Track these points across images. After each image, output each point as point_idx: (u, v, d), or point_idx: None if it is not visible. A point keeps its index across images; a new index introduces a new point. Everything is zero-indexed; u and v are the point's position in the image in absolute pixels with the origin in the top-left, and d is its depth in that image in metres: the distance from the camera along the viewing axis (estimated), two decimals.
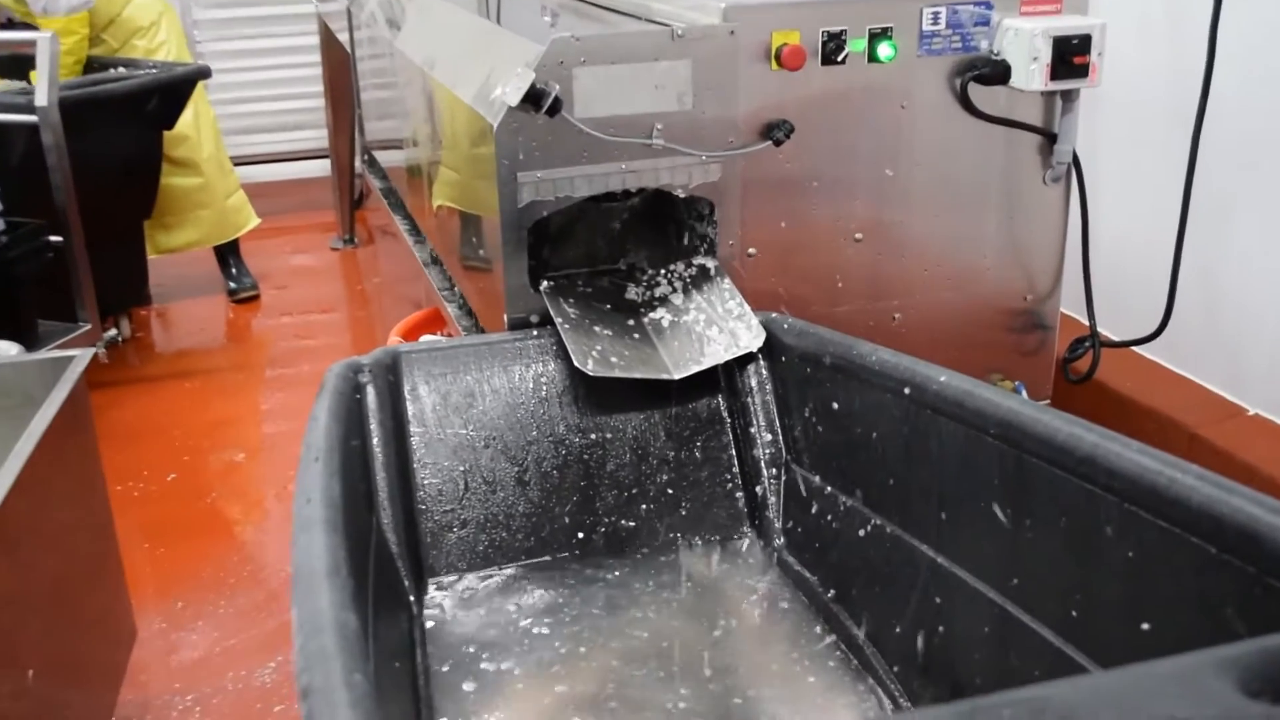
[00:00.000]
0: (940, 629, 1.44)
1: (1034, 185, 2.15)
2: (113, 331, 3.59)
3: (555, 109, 1.77)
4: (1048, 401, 2.29)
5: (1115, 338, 2.71)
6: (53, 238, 3.20)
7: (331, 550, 0.98)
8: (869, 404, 1.58)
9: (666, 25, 1.91)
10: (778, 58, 1.91)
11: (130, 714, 2.24)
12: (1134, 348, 2.64)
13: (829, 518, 1.67)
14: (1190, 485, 1.05)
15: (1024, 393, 2.22)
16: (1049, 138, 2.11)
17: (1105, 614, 1.18)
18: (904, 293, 2.13)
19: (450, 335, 2.63)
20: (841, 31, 1.94)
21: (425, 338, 2.72)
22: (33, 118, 3.16)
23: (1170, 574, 1.08)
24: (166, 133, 3.89)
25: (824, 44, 1.94)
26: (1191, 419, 2.55)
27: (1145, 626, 1.11)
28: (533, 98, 1.76)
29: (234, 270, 4.50)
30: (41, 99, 3.14)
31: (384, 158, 3.74)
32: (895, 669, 1.51)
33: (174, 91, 3.74)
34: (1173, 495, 1.07)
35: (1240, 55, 2.33)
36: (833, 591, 1.65)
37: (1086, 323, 2.39)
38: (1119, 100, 2.65)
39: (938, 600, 1.44)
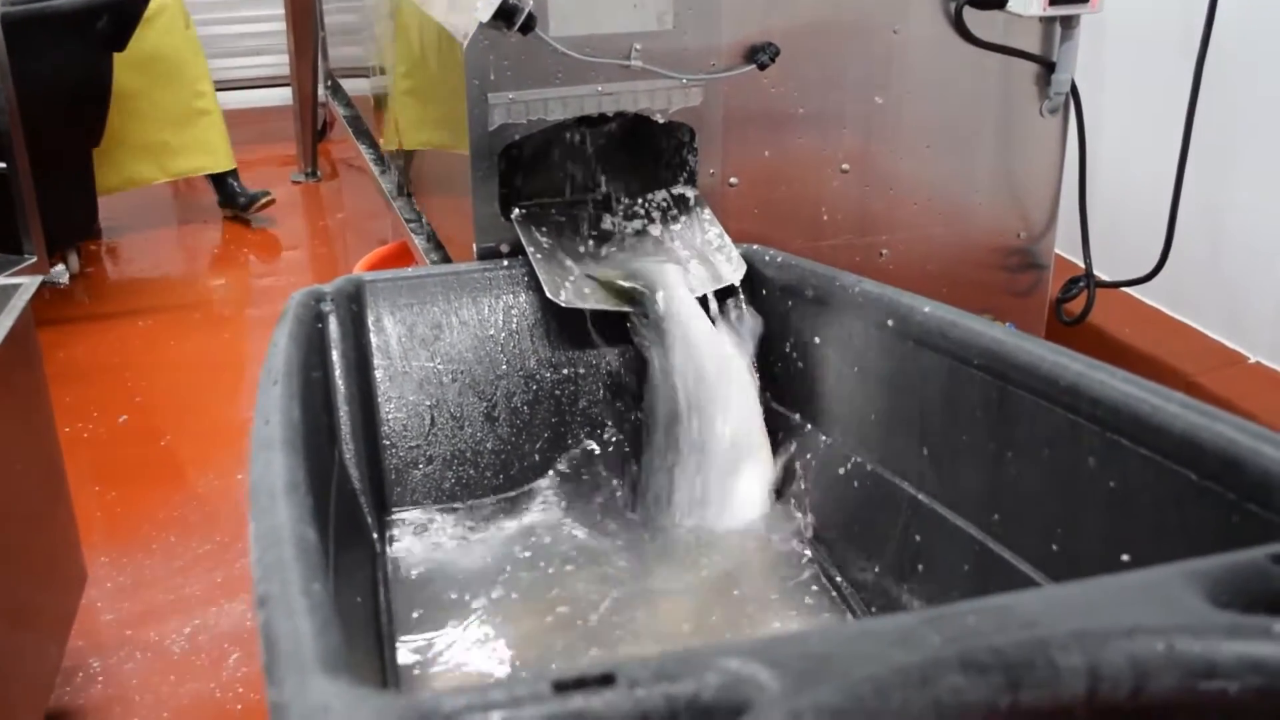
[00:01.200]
0: (919, 567, 1.48)
1: (1030, 117, 2.16)
2: (60, 267, 3.60)
3: (529, 26, 1.78)
4: None
5: (1113, 277, 2.75)
6: None
7: (290, 469, 1.00)
8: (852, 336, 1.61)
9: None
10: None
11: (80, 661, 2.27)
12: (1131, 289, 2.66)
13: (808, 455, 1.71)
14: (1173, 413, 1.09)
15: None
16: (1047, 66, 2.12)
17: (1086, 547, 1.22)
18: (892, 228, 2.14)
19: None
20: None
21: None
22: None
23: (1151, 504, 1.11)
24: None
25: None
26: (1189, 366, 2.58)
27: (1126, 558, 1.15)
28: (504, 13, 1.76)
29: (237, 187, 4.57)
30: None
31: (349, 85, 3.74)
32: (873, 609, 1.55)
33: (125, 10, 3.71)
34: (1155, 423, 1.10)
35: None
36: (811, 530, 1.69)
37: (1081, 263, 2.42)
38: (1121, 27, 2.66)
39: (918, 538, 1.48)
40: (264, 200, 4.51)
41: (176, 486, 2.89)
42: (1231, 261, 2.57)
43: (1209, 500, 1.04)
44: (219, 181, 4.55)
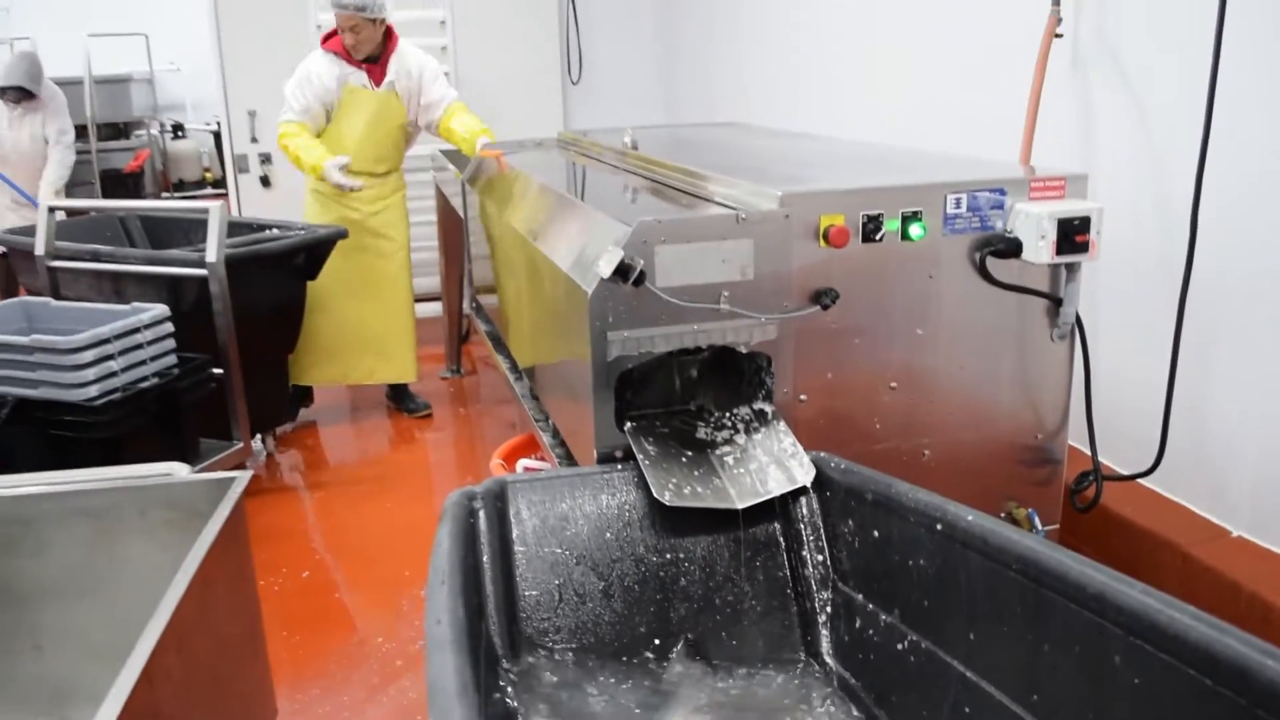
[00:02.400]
0: None
1: (1043, 342, 2.15)
2: (258, 448, 3.69)
3: (640, 280, 1.83)
4: (1057, 526, 2.28)
5: (1115, 465, 2.70)
6: (215, 370, 3.31)
7: (459, 671, 1.01)
8: (906, 535, 1.59)
9: (733, 210, 1.97)
10: (825, 236, 1.96)
11: None
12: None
13: (870, 631, 1.67)
14: (1187, 624, 1.06)
15: (1036, 519, 2.21)
16: (1055, 302, 2.13)
17: None
18: (933, 432, 2.13)
19: (543, 459, 2.67)
20: (879, 214, 1.99)
21: (522, 461, 2.76)
22: (203, 271, 3.31)
23: (1173, 701, 1.07)
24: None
25: (864, 225, 1.99)
26: (1182, 539, 2.51)
27: None
28: (622, 271, 1.82)
29: (405, 397, 4.65)
30: (210, 256, 3.29)
31: (488, 302, 3.82)
32: None
33: (317, 249, 3.87)
34: (1173, 632, 1.07)
35: (1217, 232, 2.35)
36: (874, 696, 1.65)
37: (1091, 454, 2.38)
38: (1116, 270, 2.66)
39: (967, 710, 1.44)
40: (424, 413, 4.59)
41: (346, 632, 2.90)
42: (1215, 452, 2.52)
43: (1223, 703, 1.00)
44: (398, 386, 4.63)
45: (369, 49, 4.12)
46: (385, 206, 4.37)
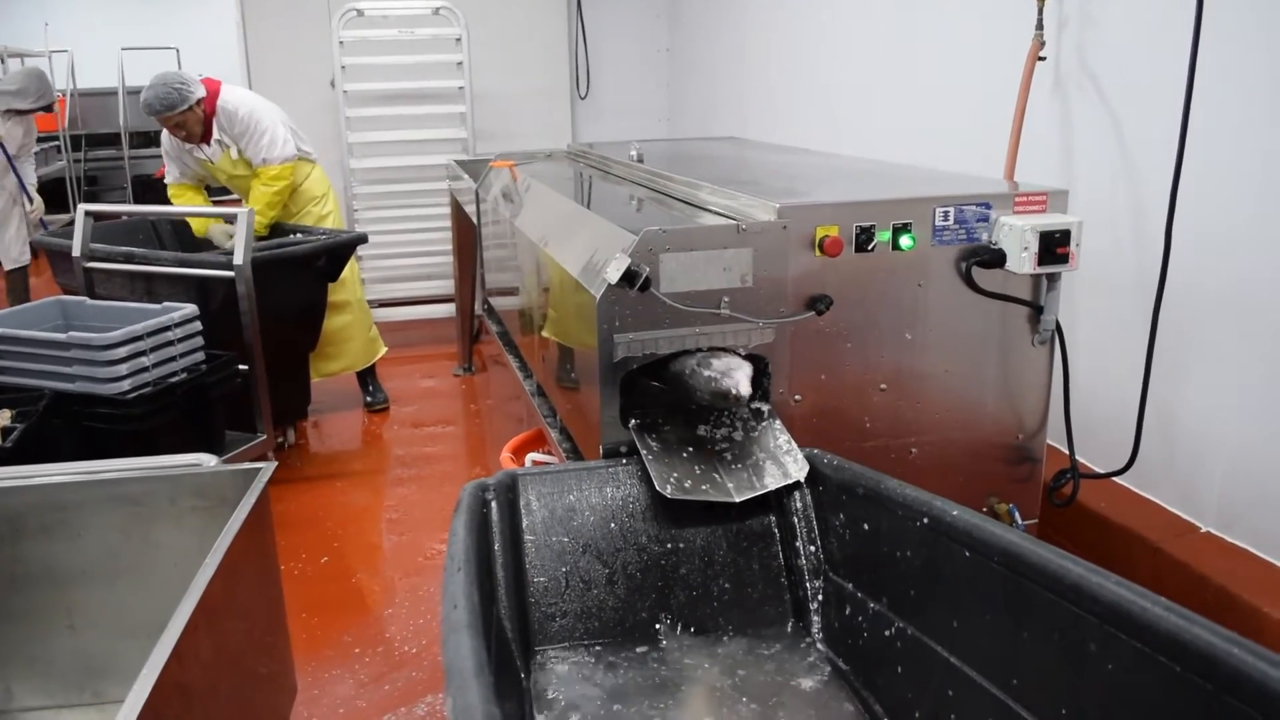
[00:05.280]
0: (952, 717, 1.44)
1: (1024, 347, 2.17)
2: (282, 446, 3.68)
3: (645, 286, 1.84)
4: (1036, 520, 2.29)
5: (1091, 464, 2.71)
6: (241, 366, 3.31)
7: (476, 652, 1.02)
8: (894, 528, 1.60)
9: (734, 220, 1.98)
10: (821, 246, 1.97)
11: None
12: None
13: (860, 618, 1.68)
14: (1158, 615, 1.07)
15: (1017, 514, 2.22)
16: (1036, 310, 2.14)
17: (1090, 714, 1.18)
18: (920, 432, 2.14)
19: (550, 453, 2.67)
20: (871, 226, 2.00)
21: (531, 455, 2.77)
22: (230, 273, 3.31)
23: (1144, 686, 1.08)
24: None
25: (857, 236, 2.00)
26: (1154, 535, 2.52)
27: None
28: (628, 277, 1.83)
29: (370, 388, 4.63)
30: (238, 259, 3.29)
31: (499, 304, 3.83)
32: None
33: (339, 252, 3.87)
34: (1144, 622, 1.08)
35: (1190, 244, 2.36)
36: (861, 679, 1.66)
37: (1069, 453, 2.39)
38: (1095, 280, 2.67)
39: (950, 693, 1.45)
40: (381, 407, 4.58)
41: (365, 614, 2.91)
42: (1185, 453, 2.53)
43: (1192, 688, 1.01)
44: (363, 373, 4.61)
45: (200, 130, 4.03)
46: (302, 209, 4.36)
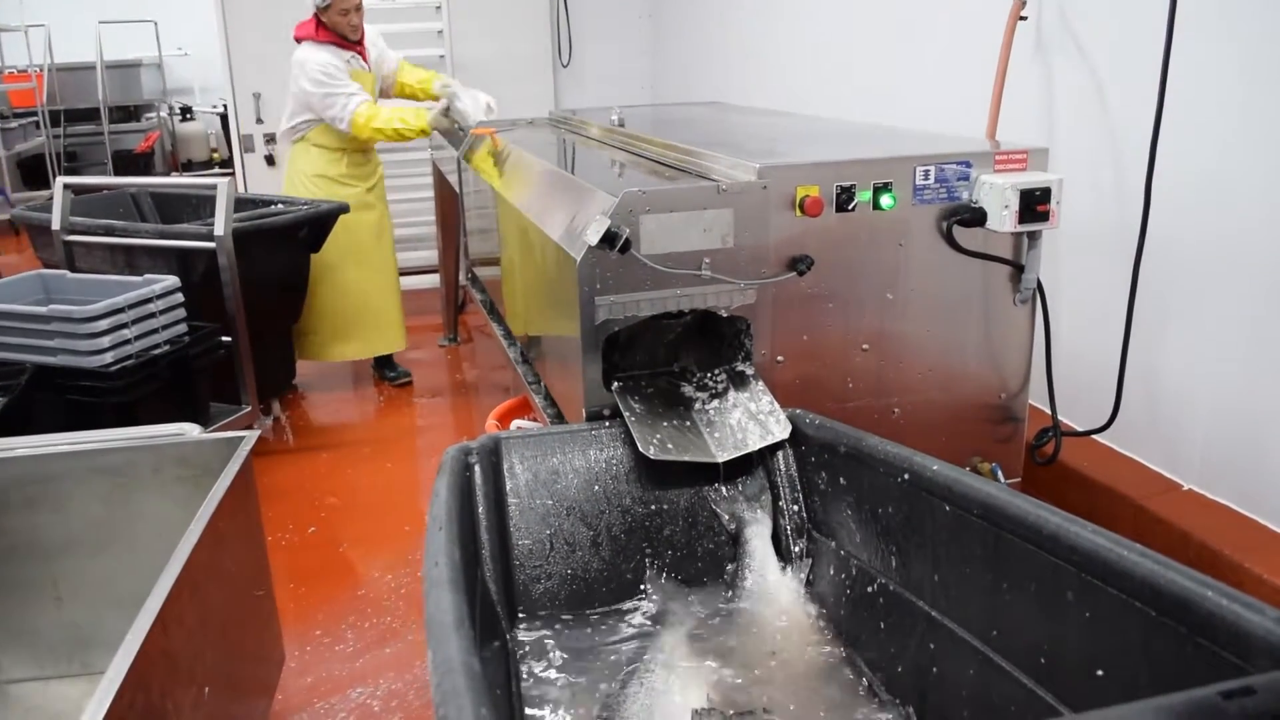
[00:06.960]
0: (934, 670, 1.45)
1: (1006, 306, 2.16)
2: (263, 418, 3.68)
3: (626, 248, 1.83)
4: (1019, 479, 2.30)
5: (1073, 423, 2.72)
6: (224, 338, 3.30)
7: (456, 606, 1.02)
8: (876, 485, 1.60)
9: (714, 181, 1.97)
10: (801, 206, 1.96)
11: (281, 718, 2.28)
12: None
13: (843, 575, 1.69)
14: (1134, 560, 1.07)
15: (1000, 473, 2.22)
16: (1018, 269, 2.13)
17: (1069, 662, 1.19)
18: (902, 392, 2.14)
19: (535, 419, 2.67)
20: (852, 185, 1.99)
21: (516, 421, 2.76)
22: (211, 244, 3.29)
23: (1120, 632, 1.09)
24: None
25: (838, 195, 1.99)
26: (1137, 493, 2.53)
27: (1100, 673, 1.12)
28: (608, 239, 1.82)
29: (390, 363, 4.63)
30: (219, 230, 3.27)
31: (483, 274, 3.81)
32: (897, 700, 1.52)
33: (320, 222, 3.85)
34: (1120, 569, 1.09)
35: (1169, 203, 2.36)
36: (845, 634, 1.67)
37: (1051, 412, 2.40)
38: (1075, 239, 2.67)
39: (932, 646, 1.46)
40: (404, 381, 4.57)
41: (350, 584, 2.91)
42: (1167, 411, 2.54)
43: (1167, 632, 1.02)
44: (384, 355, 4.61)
45: (361, 27, 4.10)
46: (377, 181, 4.35)
